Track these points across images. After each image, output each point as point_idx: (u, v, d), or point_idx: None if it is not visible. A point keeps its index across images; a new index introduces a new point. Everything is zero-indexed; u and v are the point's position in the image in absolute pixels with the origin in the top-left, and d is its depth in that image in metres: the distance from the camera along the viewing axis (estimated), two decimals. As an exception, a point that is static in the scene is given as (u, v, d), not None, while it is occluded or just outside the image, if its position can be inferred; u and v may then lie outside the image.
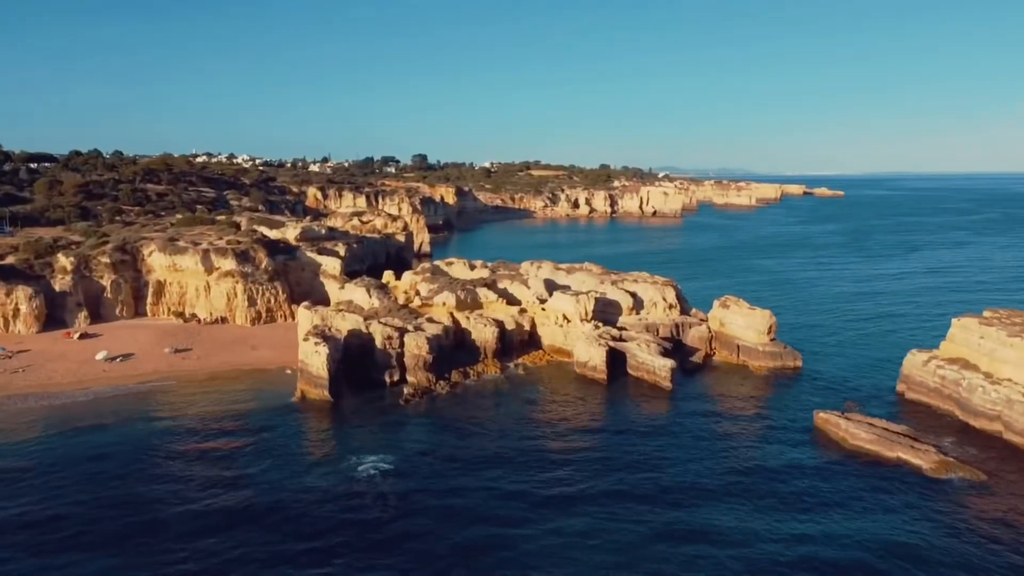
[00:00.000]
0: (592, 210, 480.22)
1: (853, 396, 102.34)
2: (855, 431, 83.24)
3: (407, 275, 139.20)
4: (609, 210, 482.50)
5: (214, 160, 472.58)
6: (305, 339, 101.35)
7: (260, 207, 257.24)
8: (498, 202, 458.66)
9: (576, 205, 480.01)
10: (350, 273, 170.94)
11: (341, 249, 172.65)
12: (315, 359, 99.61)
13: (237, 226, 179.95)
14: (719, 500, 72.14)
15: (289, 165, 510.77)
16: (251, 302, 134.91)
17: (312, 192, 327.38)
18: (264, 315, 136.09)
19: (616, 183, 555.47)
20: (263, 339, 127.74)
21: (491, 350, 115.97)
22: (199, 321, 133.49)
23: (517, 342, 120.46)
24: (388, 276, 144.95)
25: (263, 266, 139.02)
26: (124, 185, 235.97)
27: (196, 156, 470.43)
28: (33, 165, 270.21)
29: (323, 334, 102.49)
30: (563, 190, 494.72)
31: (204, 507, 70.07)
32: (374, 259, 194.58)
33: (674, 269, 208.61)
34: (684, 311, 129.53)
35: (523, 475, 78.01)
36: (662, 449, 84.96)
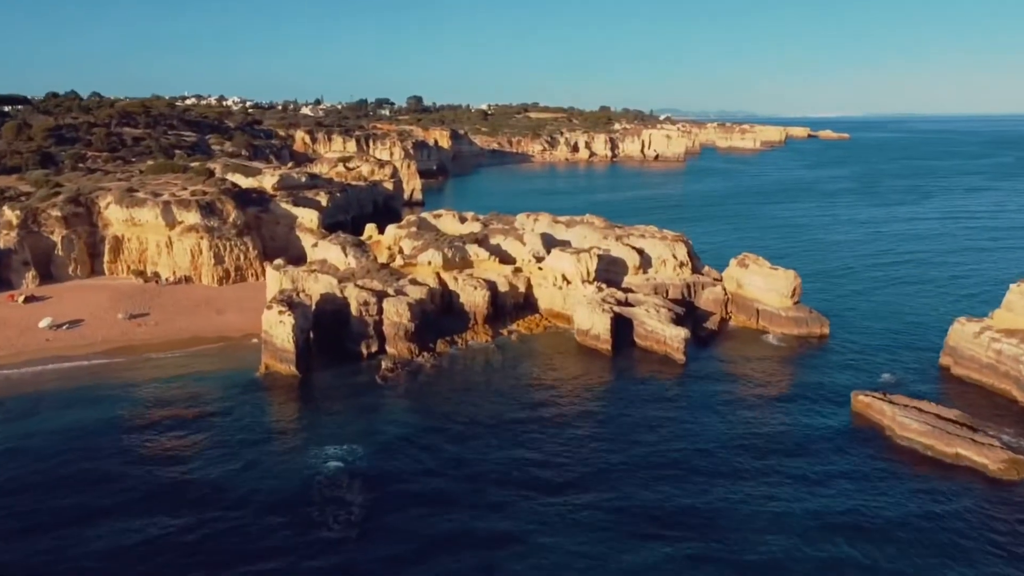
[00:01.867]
0: (592, 154, 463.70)
1: (890, 368, 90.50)
2: (904, 420, 71.27)
3: (391, 229, 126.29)
4: (609, 154, 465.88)
5: (203, 103, 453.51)
6: (269, 307, 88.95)
7: (243, 152, 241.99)
8: (495, 146, 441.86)
9: (575, 149, 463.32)
10: (332, 225, 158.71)
11: (323, 198, 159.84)
12: (280, 330, 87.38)
13: (211, 173, 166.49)
14: (747, 523, 60.33)
15: (280, 107, 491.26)
16: (218, 260, 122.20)
17: (300, 136, 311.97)
18: (233, 274, 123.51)
19: (617, 126, 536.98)
20: (230, 301, 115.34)
21: (481, 315, 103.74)
22: (157, 281, 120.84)
23: (511, 305, 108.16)
24: (371, 229, 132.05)
25: (231, 219, 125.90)
26: (98, 129, 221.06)
27: (185, 99, 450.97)
28: (7, 108, 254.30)
29: (289, 300, 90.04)
30: (562, 133, 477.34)
31: (116, 534, 58.39)
32: (360, 209, 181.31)
33: (679, 219, 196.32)
34: (696, 269, 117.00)
35: (516, 474, 66.37)
36: (676, 440, 73.23)
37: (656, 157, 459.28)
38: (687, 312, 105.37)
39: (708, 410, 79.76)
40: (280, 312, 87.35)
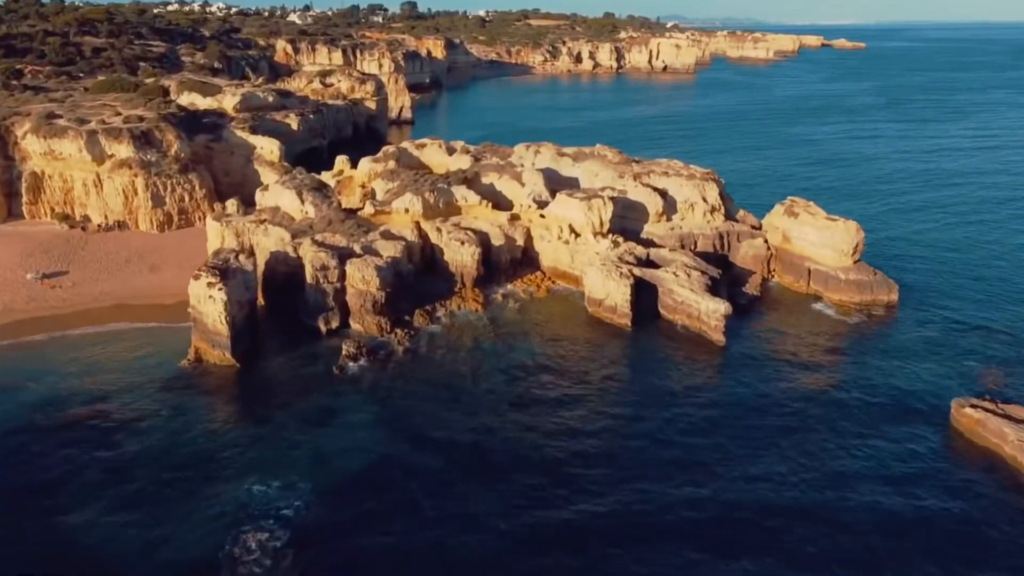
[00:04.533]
0: (596, 65, 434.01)
1: (986, 353, 71.84)
2: (1035, 450, 52.90)
3: (364, 163, 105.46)
4: (615, 65, 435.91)
5: (186, 8, 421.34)
6: (196, 275, 69.58)
7: (216, 64, 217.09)
8: (493, 56, 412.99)
9: (579, 59, 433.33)
10: (305, 153, 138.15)
11: (293, 121, 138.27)
12: (209, 308, 68.29)
13: (165, 93, 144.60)
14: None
15: (267, 13, 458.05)
16: (157, 201, 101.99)
17: (281, 46, 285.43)
18: (177, 219, 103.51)
19: (622, 34, 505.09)
20: (170, 253, 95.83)
21: (470, 276, 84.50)
22: (84, 228, 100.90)
23: (507, 261, 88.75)
24: (342, 163, 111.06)
25: (173, 152, 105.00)
26: (52, 39, 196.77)
27: (167, 5, 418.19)
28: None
29: (223, 268, 70.63)
30: (564, 42, 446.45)
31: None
32: (337, 132, 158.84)
33: (692, 142, 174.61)
34: (729, 215, 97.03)
35: (513, 526, 48.43)
36: (715, 452, 55.21)
37: (664, 68, 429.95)
38: (721, 271, 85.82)
39: (759, 421, 61.37)
40: (209, 284, 68.02)
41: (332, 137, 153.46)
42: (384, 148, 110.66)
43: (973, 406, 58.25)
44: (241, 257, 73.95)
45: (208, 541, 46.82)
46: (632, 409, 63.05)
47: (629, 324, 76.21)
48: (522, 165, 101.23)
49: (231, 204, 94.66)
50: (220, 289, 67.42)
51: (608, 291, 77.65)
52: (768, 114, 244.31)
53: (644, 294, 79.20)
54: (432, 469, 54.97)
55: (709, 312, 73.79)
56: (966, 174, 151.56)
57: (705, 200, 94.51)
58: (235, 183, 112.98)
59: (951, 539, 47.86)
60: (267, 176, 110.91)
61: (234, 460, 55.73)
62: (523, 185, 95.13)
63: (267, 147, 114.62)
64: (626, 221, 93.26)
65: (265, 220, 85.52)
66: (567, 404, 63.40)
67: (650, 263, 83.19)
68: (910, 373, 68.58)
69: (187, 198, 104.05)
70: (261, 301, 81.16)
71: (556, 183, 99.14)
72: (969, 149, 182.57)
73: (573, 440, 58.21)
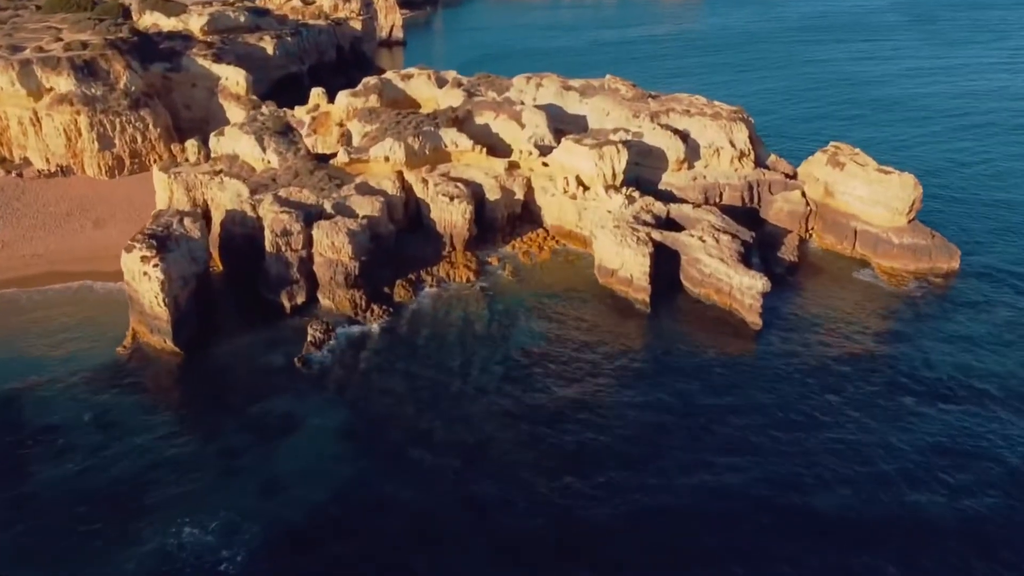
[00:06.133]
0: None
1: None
2: None
3: (342, 98, 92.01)
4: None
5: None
6: (128, 247, 57.75)
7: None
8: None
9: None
10: (283, 80, 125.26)
11: (268, 45, 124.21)
12: (145, 287, 56.76)
13: (126, 13, 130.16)
14: None
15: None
16: (104, 143, 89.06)
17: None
18: (129, 162, 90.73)
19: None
20: (118, 205, 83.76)
21: (461, 238, 72.60)
22: (22, 174, 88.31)
23: (503, 218, 76.65)
24: (317, 96, 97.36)
25: (121, 84, 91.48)
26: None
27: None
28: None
29: (164, 236, 58.74)
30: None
31: None
32: (319, 56, 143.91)
33: (708, 64, 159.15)
34: (759, 160, 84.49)
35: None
36: (752, 471, 44.66)
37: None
38: (750, 225, 73.66)
39: (804, 437, 50.60)
40: (144, 258, 56.29)
41: (313, 62, 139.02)
42: (365, 80, 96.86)
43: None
44: (187, 221, 61.92)
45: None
46: (653, 414, 52.39)
47: (647, 301, 64.63)
48: (522, 102, 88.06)
49: (191, 146, 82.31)
50: (156, 266, 55.73)
51: (623, 260, 65.87)
52: (783, 34, 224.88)
53: (664, 258, 67.45)
54: (413, 504, 44.44)
55: (743, 289, 62.18)
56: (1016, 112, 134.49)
57: (733, 144, 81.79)
58: (197, 119, 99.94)
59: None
60: (233, 112, 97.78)
61: (166, 489, 45.28)
62: (523, 126, 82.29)
63: (232, 77, 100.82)
64: (641, 169, 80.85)
65: (221, 171, 73.09)
66: (572, 413, 52.53)
67: (671, 223, 71.18)
68: (1000, 364, 57.39)
69: (139, 139, 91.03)
70: (219, 266, 69.79)
71: (561, 123, 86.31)
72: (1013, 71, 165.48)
73: (581, 465, 47.49)
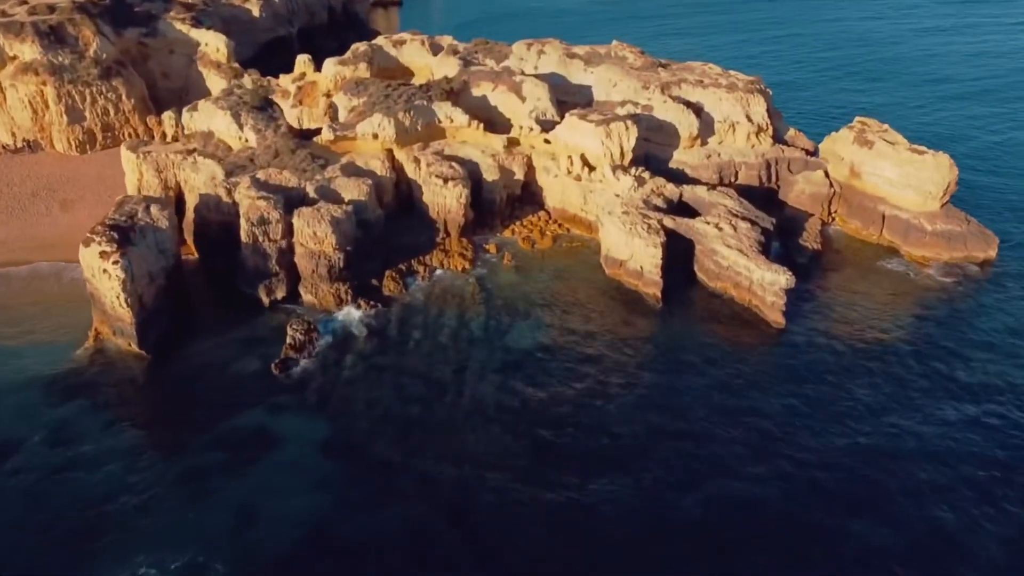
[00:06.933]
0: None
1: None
2: None
3: (329, 66, 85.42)
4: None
5: None
6: (87, 242, 52.18)
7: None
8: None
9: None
10: (270, 44, 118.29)
11: (254, 6, 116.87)
12: (106, 286, 51.33)
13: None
14: None
15: None
16: (74, 116, 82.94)
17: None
18: (100, 137, 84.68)
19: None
20: (89, 184, 78.02)
21: (456, 224, 66.95)
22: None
23: (502, 201, 70.91)
24: (303, 64, 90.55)
25: (91, 52, 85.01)
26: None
27: None
28: None
29: (126, 228, 53.16)
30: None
31: None
32: (309, 18, 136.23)
33: (718, 25, 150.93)
34: (778, 136, 78.44)
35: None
36: (772, 481, 39.92)
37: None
38: (768, 210, 67.83)
39: (835, 443, 45.76)
40: (103, 254, 50.77)
41: (303, 24, 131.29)
42: (354, 47, 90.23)
43: None
44: (154, 209, 56.29)
45: None
46: (667, 419, 47.39)
47: (659, 296, 59.21)
48: (522, 72, 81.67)
49: (168, 118, 76.45)
50: (117, 263, 50.23)
51: (632, 251, 60.31)
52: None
53: (677, 246, 61.86)
54: (401, 537, 39.60)
55: (765, 284, 56.69)
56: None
57: (749, 118, 75.61)
58: (176, 89, 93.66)
59: None
60: (213, 81, 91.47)
61: (123, 521, 40.43)
62: (523, 99, 76.05)
63: (213, 44, 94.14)
64: (651, 146, 74.92)
65: (195, 150, 67.16)
66: (576, 427, 47.48)
67: (684, 207, 65.46)
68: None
69: (112, 111, 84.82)
70: (194, 254, 64.31)
71: (564, 94, 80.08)
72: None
73: (589, 499, 42.52)
